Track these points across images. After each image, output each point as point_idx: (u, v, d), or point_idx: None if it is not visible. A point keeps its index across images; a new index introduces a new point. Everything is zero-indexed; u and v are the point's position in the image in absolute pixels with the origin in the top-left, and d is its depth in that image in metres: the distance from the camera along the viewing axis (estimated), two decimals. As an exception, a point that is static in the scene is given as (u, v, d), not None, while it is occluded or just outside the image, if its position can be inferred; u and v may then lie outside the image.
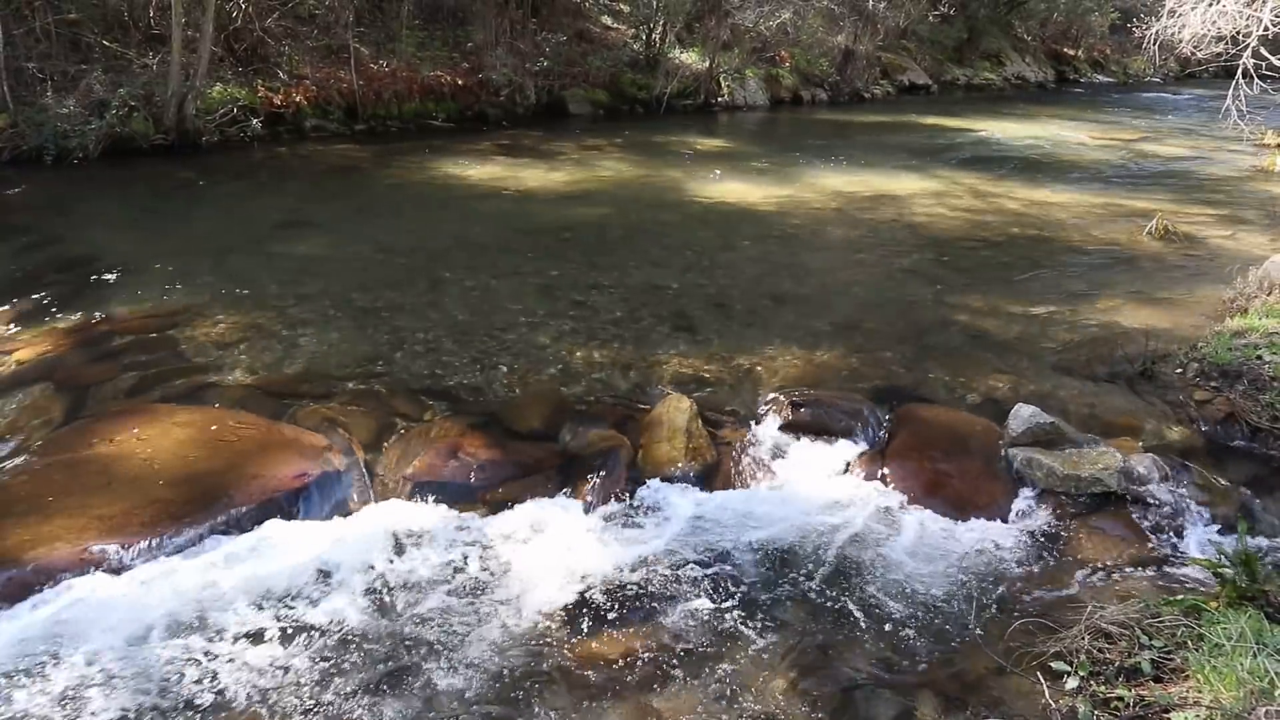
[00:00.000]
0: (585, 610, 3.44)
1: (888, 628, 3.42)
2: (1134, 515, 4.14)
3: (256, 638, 3.19)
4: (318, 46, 13.47)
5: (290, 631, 3.23)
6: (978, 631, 3.39)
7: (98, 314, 5.69)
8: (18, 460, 4.03)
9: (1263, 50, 9.29)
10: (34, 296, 5.96)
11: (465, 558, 3.67)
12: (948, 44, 25.62)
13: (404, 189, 9.79)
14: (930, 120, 17.58)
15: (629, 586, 3.58)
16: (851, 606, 3.52)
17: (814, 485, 4.34)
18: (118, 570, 3.40)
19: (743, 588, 3.60)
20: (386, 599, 3.43)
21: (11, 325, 5.50)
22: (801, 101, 19.71)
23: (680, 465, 4.31)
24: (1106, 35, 31.81)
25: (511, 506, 3.99)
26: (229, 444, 4.17)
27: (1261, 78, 9.36)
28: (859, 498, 4.25)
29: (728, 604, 3.50)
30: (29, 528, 3.48)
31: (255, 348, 5.29)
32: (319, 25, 13.76)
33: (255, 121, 11.58)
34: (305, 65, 12.99)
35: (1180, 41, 10.57)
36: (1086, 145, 15.01)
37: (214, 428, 4.29)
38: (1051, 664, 3.07)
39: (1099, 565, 3.82)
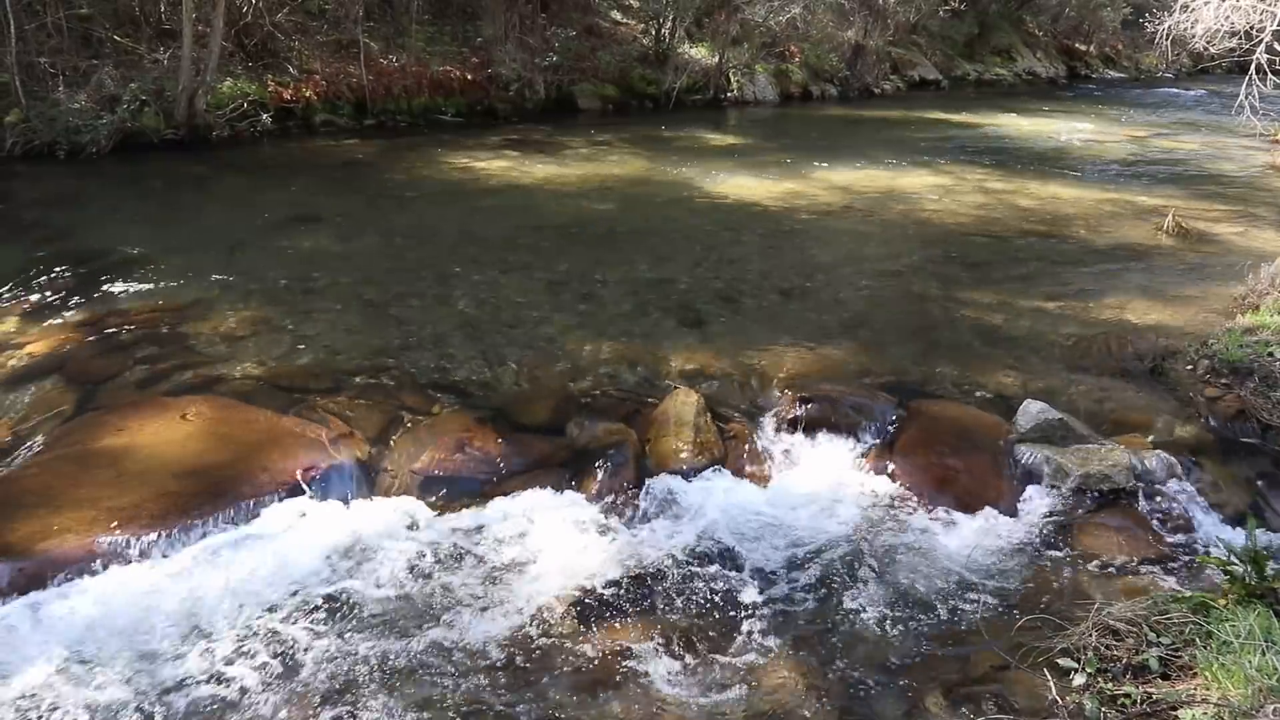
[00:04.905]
0: (591, 603, 3.44)
1: (894, 622, 3.41)
2: (1143, 512, 4.13)
3: (264, 630, 3.21)
4: (327, 41, 13.50)
5: (298, 624, 3.25)
6: (984, 627, 3.38)
7: (108, 307, 5.72)
8: (28, 452, 4.07)
9: (1277, 45, 9.20)
10: (46, 290, 5.99)
11: (472, 551, 3.68)
12: (958, 39, 25.48)
13: (413, 184, 9.80)
14: (940, 116, 17.50)
15: (636, 580, 3.58)
16: (858, 601, 3.51)
17: (822, 480, 4.33)
18: (126, 562, 3.43)
19: (749, 582, 3.60)
20: (393, 592, 3.44)
21: (23, 318, 5.54)
22: (811, 97, 19.63)
23: (687, 459, 4.31)
24: (1119, 30, 31.56)
25: (519, 500, 4.00)
26: (238, 437, 4.19)
27: (1275, 73, 9.28)
28: (867, 492, 4.25)
29: (734, 598, 3.50)
30: (39, 519, 3.50)
31: (264, 341, 5.31)
32: (329, 20, 13.79)
33: (265, 116, 11.62)
34: (315, 60, 13.02)
35: (1193, 37, 10.46)
36: (1098, 141, 14.92)
37: (223, 421, 4.31)
38: (1058, 660, 3.06)
39: (1107, 562, 3.80)
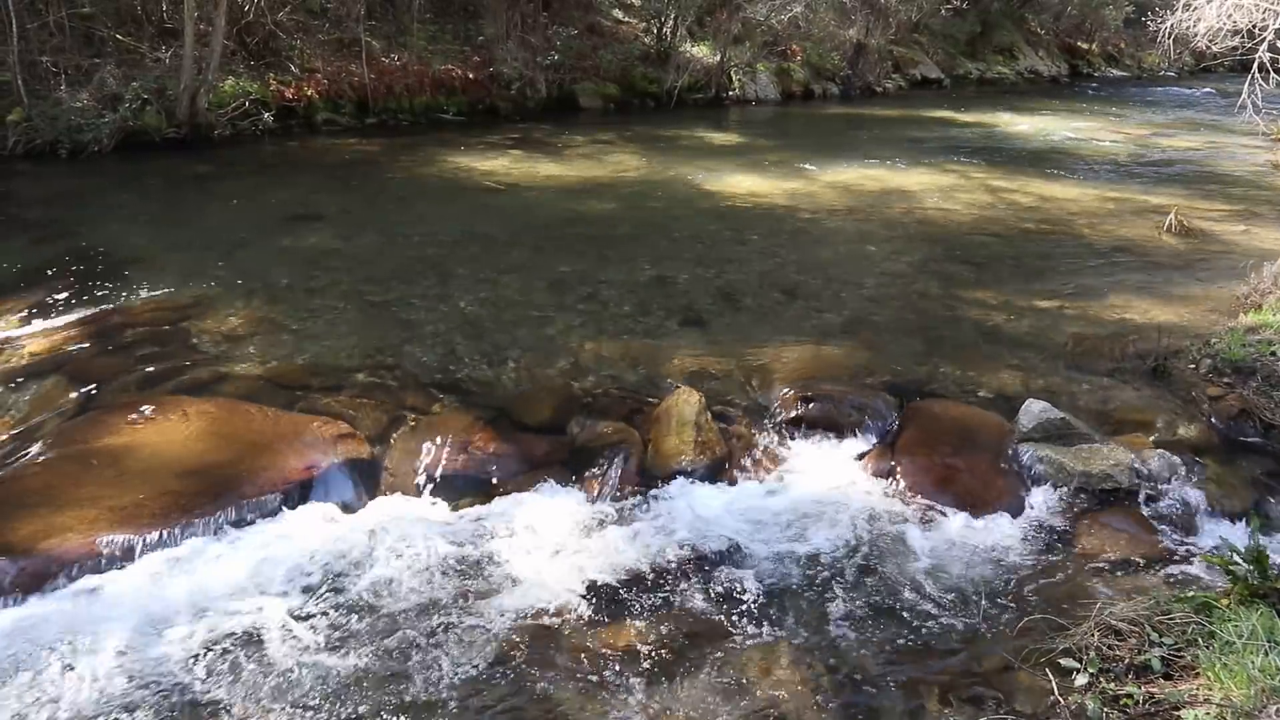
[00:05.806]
0: (593, 603, 3.44)
1: (896, 623, 3.41)
2: (1145, 511, 4.13)
3: (265, 629, 3.21)
4: (329, 40, 13.49)
5: (299, 623, 3.25)
6: (986, 627, 3.38)
7: (110, 306, 5.73)
8: (30, 451, 4.06)
9: (1279, 44, 9.19)
10: (47, 289, 5.99)
11: (474, 550, 3.68)
12: (960, 38, 25.44)
13: (414, 183, 9.80)
14: (942, 114, 17.49)
15: (637, 579, 3.58)
16: (860, 601, 3.51)
17: (823, 479, 4.33)
18: (128, 561, 3.43)
19: (751, 581, 3.59)
20: (395, 591, 3.44)
21: (25, 317, 5.53)
22: (812, 96, 19.61)
23: (689, 459, 4.30)
24: (1120, 29, 31.51)
25: (520, 499, 4.00)
26: (240, 436, 4.19)
27: (1278, 71, 9.26)
28: (868, 492, 4.25)
29: (736, 597, 3.50)
30: (41, 518, 3.50)
31: (266, 340, 5.31)
32: (330, 19, 13.79)
33: (267, 115, 11.61)
34: (317, 59, 13.02)
35: (1195, 35, 10.44)
36: (1100, 140, 14.91)
37: (225, 420, 4.31)
38: (1060, 660, 3.06)
39: (1109, 561, 3.80)
